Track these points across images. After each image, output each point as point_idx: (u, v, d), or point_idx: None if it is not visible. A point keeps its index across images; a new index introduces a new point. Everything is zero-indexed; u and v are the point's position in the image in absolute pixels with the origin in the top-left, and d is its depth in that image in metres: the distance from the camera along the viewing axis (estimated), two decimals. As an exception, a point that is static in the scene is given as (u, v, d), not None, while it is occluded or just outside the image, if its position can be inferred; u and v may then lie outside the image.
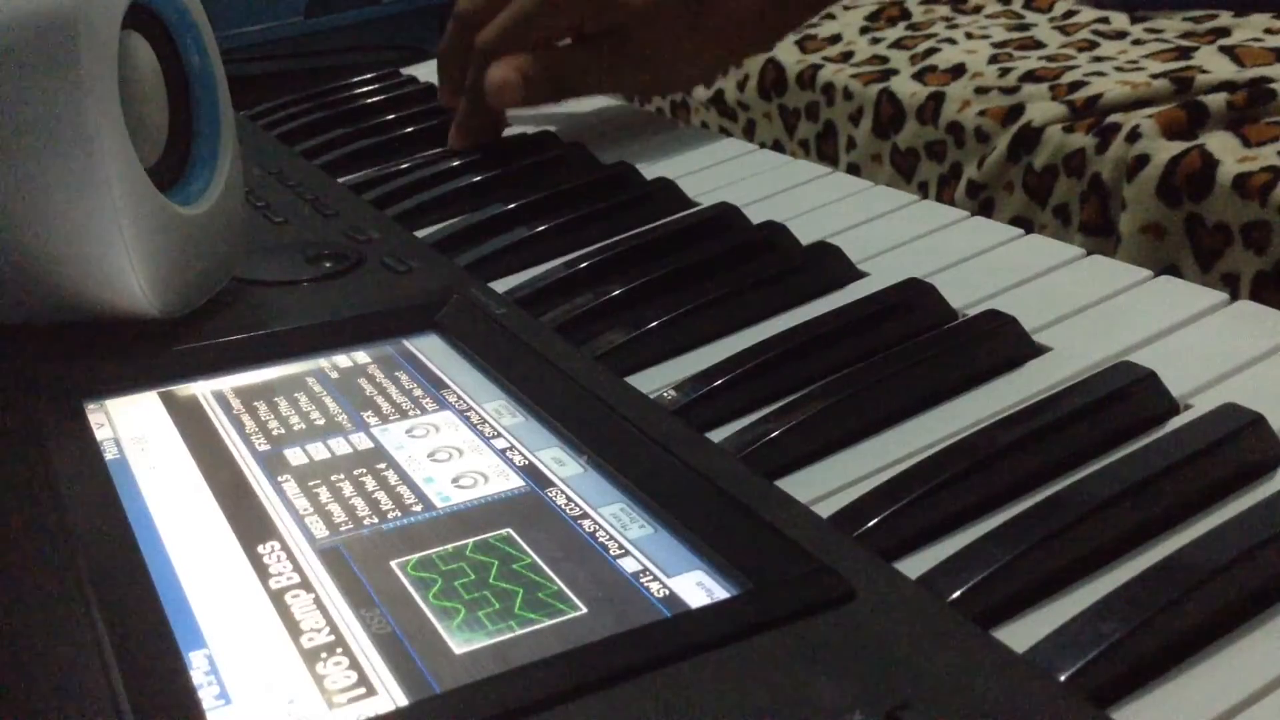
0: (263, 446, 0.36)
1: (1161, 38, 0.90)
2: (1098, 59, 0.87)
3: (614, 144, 0.64)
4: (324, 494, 0.34)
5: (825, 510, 0.32)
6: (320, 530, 0.32)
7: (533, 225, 0.53)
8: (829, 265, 0.46)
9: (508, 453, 0.36)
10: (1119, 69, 0.84)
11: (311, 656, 0.27)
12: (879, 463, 0.35)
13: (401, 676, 0.27)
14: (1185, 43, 0.87)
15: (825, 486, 0.34)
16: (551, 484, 0.34)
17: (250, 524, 0.32)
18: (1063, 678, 0.26)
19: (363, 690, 0.26)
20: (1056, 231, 0.79)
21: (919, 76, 0.92)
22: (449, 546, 0.31)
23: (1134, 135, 0.73)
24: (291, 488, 0.34)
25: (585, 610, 0.29)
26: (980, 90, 0.86)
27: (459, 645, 0.28)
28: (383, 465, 0.35)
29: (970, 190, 0.84)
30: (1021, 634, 0.27)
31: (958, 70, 0.90)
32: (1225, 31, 0.88)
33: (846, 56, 0.99)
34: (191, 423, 0.38)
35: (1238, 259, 0.68)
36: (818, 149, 0.99)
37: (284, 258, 0.49)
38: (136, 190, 0.39)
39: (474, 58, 0.64)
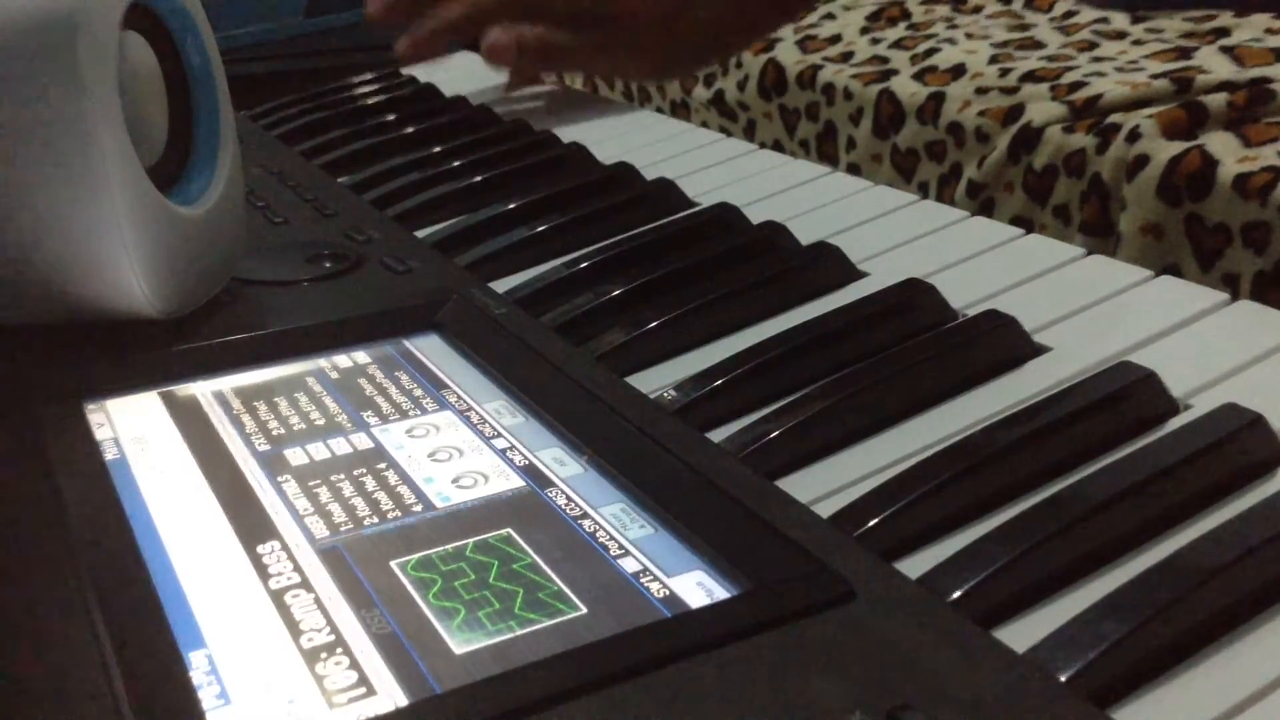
0: (263, 446, 0.36)
1: (1162, 38, 0.90)
2: (1098, 59, 0.87)
3: (614, 144, 0.64)
4: (324, 494, 0.34)
5: (825, 510, 0.32)
6: (320, 530, 0.32)
7: (533, 225, 0.53)
8: (829, 265, 0.46)
9: (508, 453, 0.36)
10: (1119, 69, 0.84)
11: (311, 656, 0.27)
12: (879, 463, 0.35)
13: (401, 676, 0.27)
14: (1185, 43, 0.87)
15: (825, 486, 0.34)
16: (552, 484, 0.34)
17: (250, 524, 0.32)
18: (1063, 678, 0.26)
19: (363, 690, 0.26)
20: (1056, 231, 0.79)
21: (919, 77, 0.92)
22: (449, 546, 0.31)
23: (1134, 135, 0.73)
24: (292, 488, 0.34)
25: (585, 610, 0.29)
26: (980, 90, 0.86)
27: (459, 645, 0.28)
28: (383, 465, 0.35)
29: (970, 190, 0.84)
30: (1021, 634, 0.27)
31: (958, 70, 0.90)
32: (1225, 31, 0.88)
33: (847, 57, 0.99)
34: (191, 423, 0.38)
35: (1238, 259, 0.68)
36: (818, 149, 0.99)
37: (284, 258, 0.49)
38: (136, 190, 0.39)
39: (469, 5, 0.66)
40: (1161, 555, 0.29)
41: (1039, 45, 0.93)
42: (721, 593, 0.29)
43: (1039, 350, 0.40)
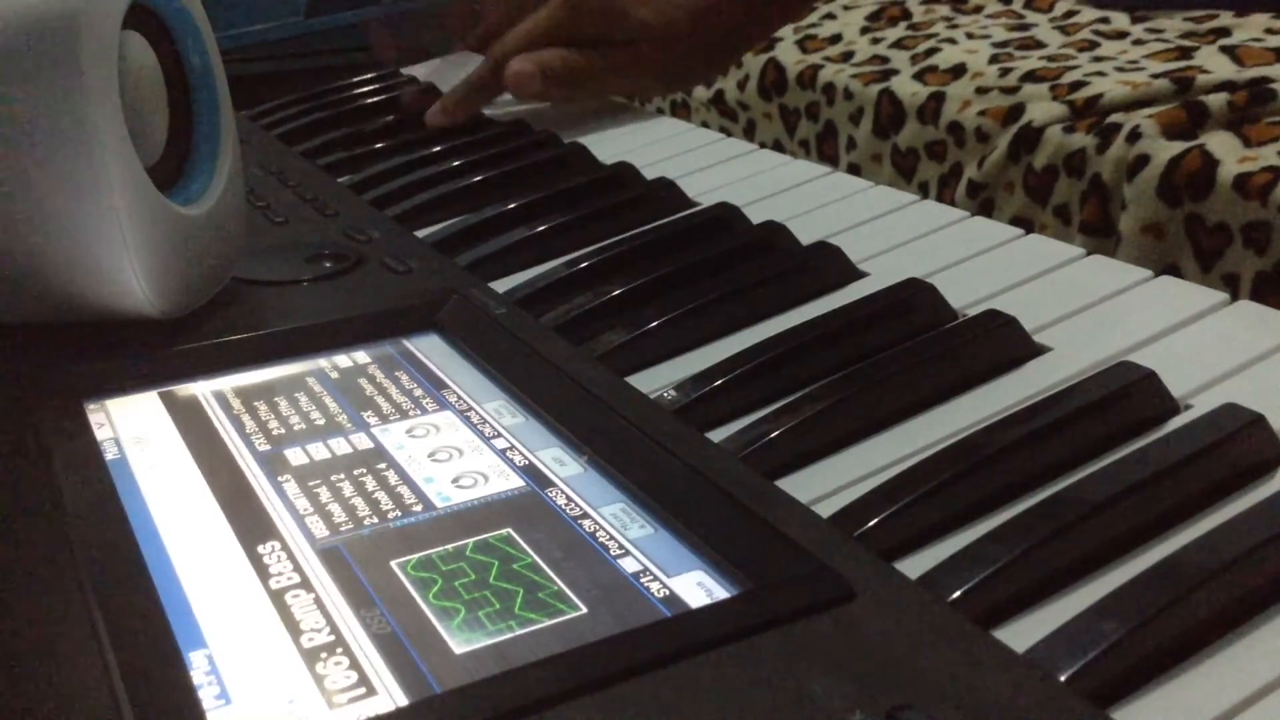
0: (263, 446, 0.36)
1: (1162, 38, 0.90)
2: (1098, 59, 0.87)
3: (614, 144, 0.64)
4: (324, 494, 0.34)
5: (825, 510, 0.32)
6: (320, 530, 0.32)
7: (533, 225, 0.53)
8: (829, 265, 0.46)
9: (508, 453, 0.36)
10: (1119, 69, 0.84)
11: (311, 656, 0.27)
12: (879, 463, 0.35)
13: (401, 676, 0.27)
14: (1185, 43, 0.87)
15: (825, 486, 0.34)
16: (552, 484, 0.34)
17: (250, 524, 0.32)
18: (1063, 678, 0.26)
19: (363, 690, 0.26)
20: (1056, 231, 0.79)
21: (919, 76, 0.92)
22: (449, 546, 0.31)
23: (1134, 135, 0.73)
24: (292, 488, 0.34)
25: (585, 610, 0.29)
26: (980, 90, 0.86)
27: (459, 645, 0.28)
28: (383, 465, 0.35)
29: (970, 190, 0.84)
30: (1021, 634, 0.27)
31: (958, 70, 0.90)
32: (1225, 31, 0.88)
33: (847, 56, 0.99)
34: (191, 423, 0.38)
35: (1238, 259, 0.68)
36: (818, 149, 0.99)
37: (284, 258, 0.49)
38: (136, 190, 0.39)
39: (490, 54, 0.68)
40: (1161, 555, 0.29)
41: (1039, 45, 0.93)
42: (721, 593, 0.29)
43: (1039, 350, 0.40)
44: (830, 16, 1.08)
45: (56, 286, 0.40)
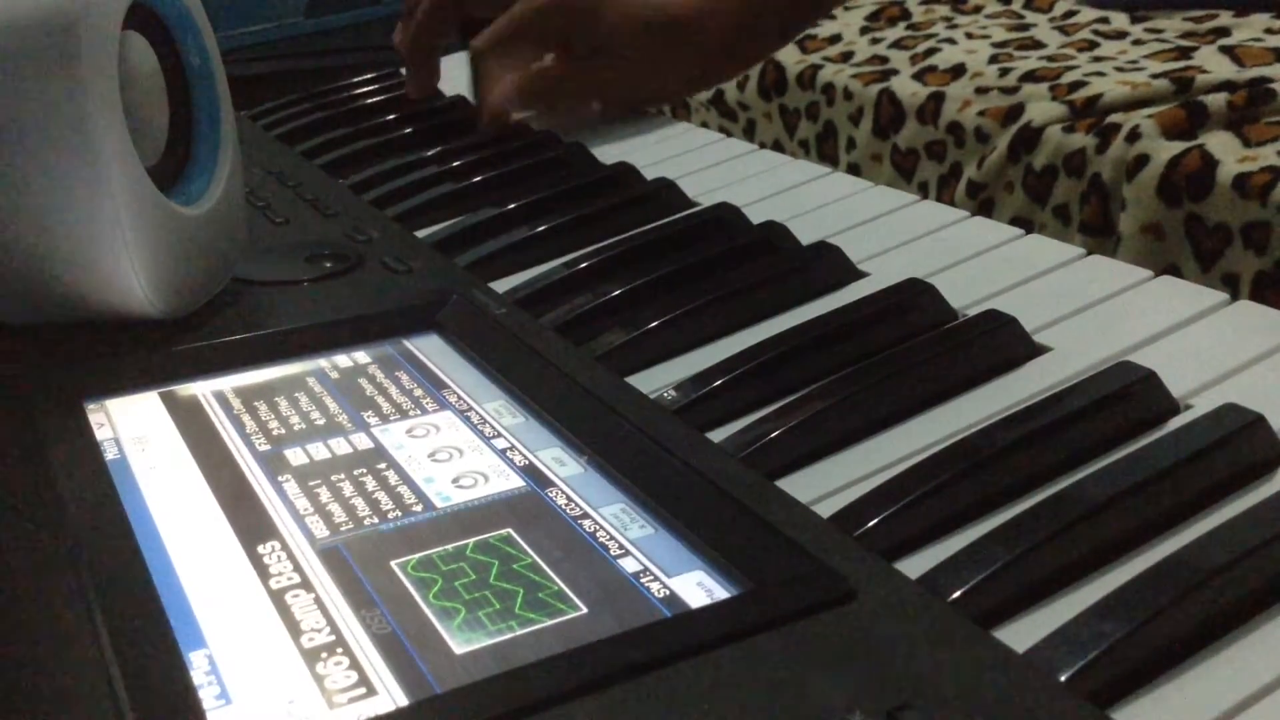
0: (263, 446, 0.36)
1: (1161, 38, 0.90)
2: (1098, 59, 0.87)
3: (614, 144, 0.64)
4: (324, 494, 0.34)
5: (825, 510, 0.32)
6: (320, 530, 0.32)
7: (533, 225, 0.53)
8: (829, 265, 0.46)
9: (508, 453, 0.36)
10: (1119, 69, 0.84)
11: (312, 656, 0.27)
12: (879, 463, 0.35)
13: (401, 676, 0.27)
14: (1185, 43, 0.87)
15: (825, 486, 0.34)
16: (552, 484, 0.34)
17: (250, 524, 0.32)
18: (1063, 678, 0.26)
19: (363, 690, 0.26)
20: (1056, 231, 0.79)
21: (919, 76, 0.92)
22: (449, 546, 0.31)
23: (1134, 135, 0.73)
24: (292, 487, 0.34)
25: (585, 610, 0.29)
26: (980, 90, 0.86)
27: (459, 645, 0.28)
28: (383, 465, 0.35)
29: (970, 190, 0.84)
30: (1021, 634, 0.27)
31: (958, 70, 0.90)
32: (1225, 31, 0.88)
33: (846, 56, 0.99)
34: (191, 423, 0.38)
35: (1238, 259, 0.68)
36: (818, 149, 0.99)
37: (284, 258, 0.49)
38: (136, 190, 0.39)
39: (470, 56, 0.67)
40: (1161, 555, 0.29)
41: (1039, 45, 0.93)
42: (721, 593, 0.29)
43: (1039, 350, 0.40)
44: (830, 16, 1.08)
45: (56, 286, 0.40)
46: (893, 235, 0.49)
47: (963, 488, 0.32)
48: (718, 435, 0.36)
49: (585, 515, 0.33)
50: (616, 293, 0.45)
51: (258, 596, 0.29)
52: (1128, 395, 0.35)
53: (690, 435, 0.35)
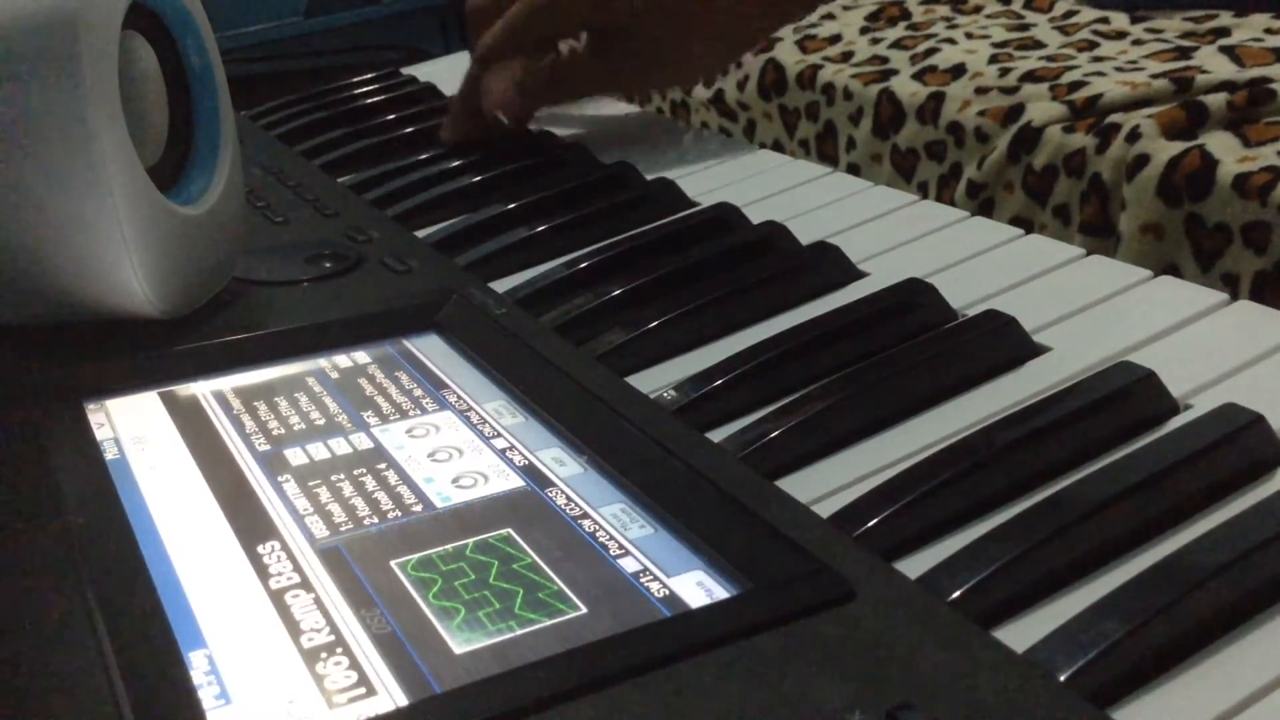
0: (263, 446, 0.36)
1: (1161, 38, 0.90)
2: (1098, 59, 0.87)
3: (614, 144, 0.64)
4: (324, 494, 0.34)
5: (825, 510, 0.32)
6: (320, 530, 0.32)
7: (533, 225, 0.52)
8: (829, 265, 0.46)
9: (508, 453, 0.36)
10: (1119, 69, 0.84)
11: (311, 656, 0.27)
12: (879, 463, 0.35)
13: (401, 676, 0.27)
14: (1185, 43, 0.87)
15: (825, 486, 0.34)
16: (551, 484, 0.34)
17: (250, 524, 0.32)
18: (1063, 678, 0.26)
19: (363, 690, 0.26)
20: (1056, 231, 0.79)
21: (919, 76, 0.92)
22: (449, 546, 0.31)
23: (1134, 135, 0.73)
24: (291, 487, 0.34)
25: (585, 610, 0.29)
26: (980, 90, 0.86)
27: (459, 645, 0.28)
28: (383, 465, 0.35)
29: (970, 190, 0.84)
30: (1021, 634, 0.27)
31: (958, 70, 0.90)
32: (1225, 31, 0.88)
33: (846, 56, 0.99)
34: (191, 423, 0.38)
35: (1238, 259, 0.68)
36: (818, 149, 0.99)
37: (284, 258, 0.49)
38: (136, 190, 0.39)
39: (473, 62, 0.65)
40: (1161, 555, 0.29)
41: (1039, 45, 0.93)
42: (721, 593, 0.29)
43: (1039, 350, 0.40)
44: (830, 16, 1.08)
45: (56, 286, 0.40)
46: (893, 235, 0.49)
47: (962, 488, 0.32)
48: (718, 435, 0.36)
49: (585, 515, 0.33)
50: (616, 293, 0.45)
51: (257, 596, 0.29)
52: (1127, 395, 0.35)
53: (690, 435, 0.35)
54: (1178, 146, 0.71)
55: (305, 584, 0.30)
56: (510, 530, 0.32)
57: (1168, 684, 0.26)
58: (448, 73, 0.79)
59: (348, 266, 0.48)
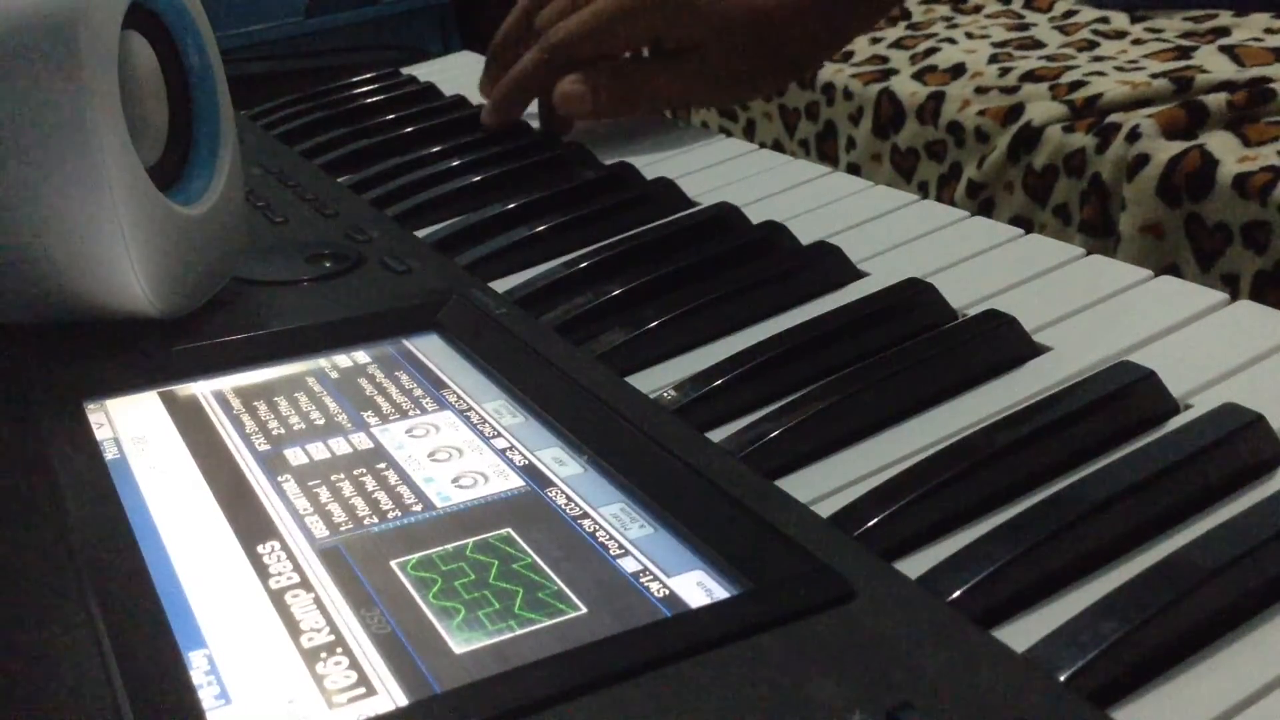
0: (263, 446, 0.36)
1: (1161, 37, 0.90)
2: (1098, 59, 0.87)
3: (614, 144, 0.64)
4: (324, 494, 0.34)
5: (825, 510, 0.32)
6: (320, 530, 0.32)
7: (533, 225, 0.53)
8: (829, 265, 0.46)
9: (508, 453, 0.36)
10: (1119, 69, 0.84)
11: (311, 656, 0.27)
12: (879, 463, 0.35)
13: (401, 676, 0.27)
14: (1185, 42, 0.87)
15: (825, 486, 0.34)
16: (551, 484, 0.34)
17: (250, 524, 0.32)
18: (1063, 678, 0.26)
19: (363, 690, 0.26)
20: (1056, 231, 0.79)
21: (919, 76, 0.92)
22: (449, 546, 0.31)
23: (1134, 135, 0.73)
24: (291, 487, 0.34)
25: (585, 610, 0.29)
26: (980, 90, 0.86)
27: (459, 645, 0.28)
28: (383, 465, 0.35)
29: (970, 190, 0.84)
30: (1021, 634, 0.27)
31: (958, 70, 0.90)
32: (1225, 31, 0.88)
33: (846, 56, 0.99)
34: (191, 423, 0.38)
35: (1238, 259, 0.68)
36: (818, 149, 0.99)
37: (284, 258, 0.49)
38: (136, 190, 0.39)
39: (539, 46, 0.64)
40: (1161, 555, 0.29)
41: (1039, 45, 0.93)
42: (721, 593, 0.29)
43: (1039, 350, 0.40)
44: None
45: (56, 286, 0.40)
46: (893, 235, 0.49)
47: (962, 488, 0.32)
48: (718, 435, 0.36)
49: (585, 515, 0.33)
50: (616, 292, 0.45)
51: (257, 596, 0.29)
52: (1127, 395, 0.35)
53: (690, 435, 0.35)
54: (1178, 146, 0.71)
55: (305, 584, 0.30)
56: (510, 530, 0.32)
57: (1168, 684, 0.26)
58: (448, 73, 0.79)
59: (348, 266, 0.48)
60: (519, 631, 0.28)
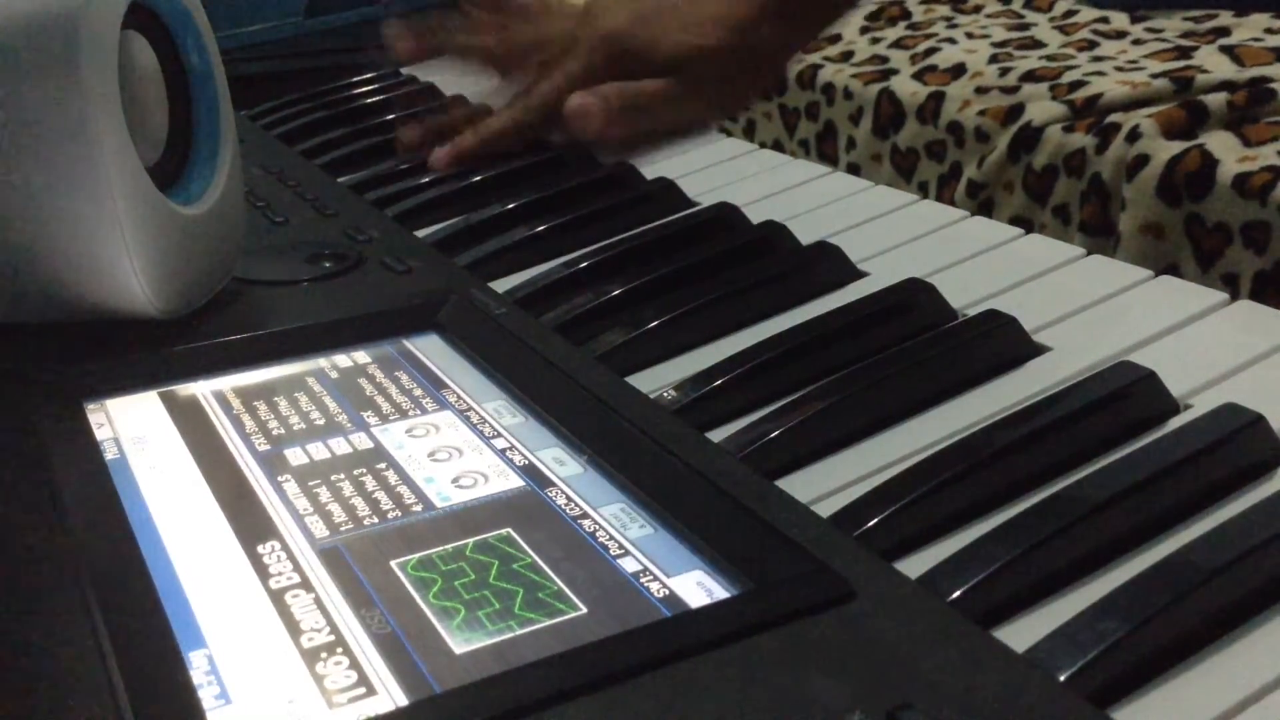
0: (263, 446, 0.36)
1: (1161, 37, 0.90)
2: (1098, 59, 0.87)
3: (614, 144, 0.64)
4: (324, 494, 0.34)
5: (825, 510, 0.32)
6: (320, 530, 0.32)
7: (533, 225, 0.53)
8: (829, 265, 0.46)
9: (508, 453, 0.36)
10: (1119, 69, 0.84)
11: (311, 656, 0.27)
12: (879, 463, 0.35)
13: (401, 676, 0.27)
14: (1185, 42, 0.87)
15: (825, 486, 0.34)
16: (551, 484, 0.34)
17: (250, 524, 0.32)
18: (1063, 678, 0.26)
19: (363, 690, 0.26)
20: (1056, 231, 0.79)
21: (919, 76, 0.92)
22: (449, 546, 0.31)
23: (1134, 135, 0.73)
24: (291, 487, 0.34)
25: (585, 610, 0.29)
26: (980, 90, 0.86)
27: (459, 645, 0.28)
28: (383, 465, 0.35)
29: (970, 190, 0.84)
30: (1021, 634, 0.27)
31: (958, 70, 0.90)
32: (1225, 31, 0.88)
33: (846, 56, 0.99)
34: (191, 423, 0.38)
35: (1238, 259, 0.68)
36: (818, 149, 0.99)
37: (284, 258, 0.49)
38: (136, 190, 0.39)
39: (510, 112, 0.64)
40: (1161, 555, 0.29)
41: (1039, 45, 0.93)
42: (721, 593, 0.29)
43: (1039, 350, 0.40)
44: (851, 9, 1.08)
45: (56, 287, 0.40)
46: (893, 235, 0.49)
47: (963, 488, 0.32)
48: (718, 435, 0.37)
49: (585, 515, 0.33)
50: (616, 293, 0.45)
51: (257, 596, 0.29)
52: (1128, 395, 0.35)
53: (690, 435, 0.35)
54: (1178, 146, 0.71)
55: (305, 584, 0.30)
56: (510, 530, 0.32)
57: (1168, 684, 0.26)
58: (448, 73, 0.78)
59: (348, 266, 0.48)
60: (519, 631, 0.28)
